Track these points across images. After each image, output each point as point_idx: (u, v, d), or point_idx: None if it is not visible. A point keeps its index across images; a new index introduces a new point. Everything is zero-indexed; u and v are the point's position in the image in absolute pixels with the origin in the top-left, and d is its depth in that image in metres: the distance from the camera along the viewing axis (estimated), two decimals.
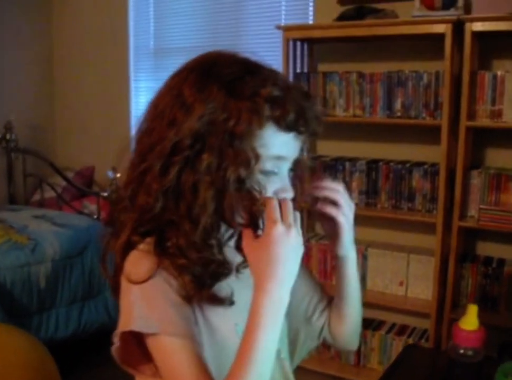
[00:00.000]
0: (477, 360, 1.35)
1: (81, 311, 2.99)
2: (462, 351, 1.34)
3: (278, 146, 0.89)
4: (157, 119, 0.90)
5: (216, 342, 0.91)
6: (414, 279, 2.85)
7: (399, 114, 2.74)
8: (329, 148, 3.08)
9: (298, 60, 3.02)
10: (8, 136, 3.85)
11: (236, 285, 0.92)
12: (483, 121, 2.54)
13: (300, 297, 1.09)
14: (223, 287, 0.91)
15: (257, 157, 0.86)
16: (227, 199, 0.87)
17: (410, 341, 2.83)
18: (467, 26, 2.44)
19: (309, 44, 3.08)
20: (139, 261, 0.88)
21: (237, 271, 0.94)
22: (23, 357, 2.19)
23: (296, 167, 0.96)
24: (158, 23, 3.87)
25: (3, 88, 3.98)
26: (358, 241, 3.31)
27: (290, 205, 0.86)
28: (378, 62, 2.93)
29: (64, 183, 3.79)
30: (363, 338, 2.90)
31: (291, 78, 2.91)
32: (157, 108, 0.91)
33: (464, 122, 2.52)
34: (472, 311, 1.35)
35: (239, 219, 0.89)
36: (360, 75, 2.82)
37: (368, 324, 2.98)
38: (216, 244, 0.90)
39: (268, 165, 0.89)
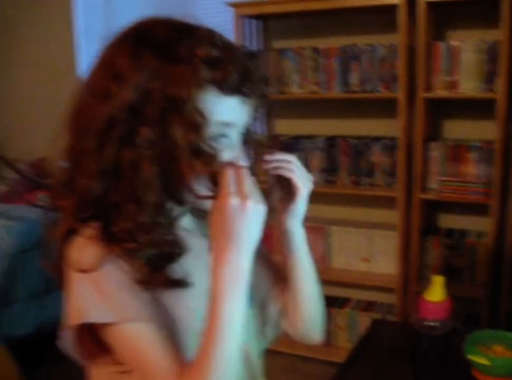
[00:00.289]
0: (444, 331, 1.33)
1: (41, 307, 2.90)
2: (430, 323, 1.32)
3: (224, 112, 0.83)
4: (91, 94, 0.83)
5: (176, 329, 0.86)
6: (378, 255, 2.85)
7: (355, 88, 2.71)
8: (286, 127, 3.03)
9: (253, 38, 2.96)
10: None
11: (194, 270, 0.87)
12: (440, 92, 2.53)
13: (258, 283, 1.03)
14: (178, 269, 0.86)
15: (205, 119, 0.80)
16: (177, 171, 0.81)
17: (378, 316, 2.83)
18: None
19: (262, 21, 3.01)
20: (84, 248, 0.82)
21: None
22: None
23: (249, 143, 0.90)
24: (107, 7, 3.75)
25: None
26: (319, 220, 3.26)
27: (245, 173, 0.81)
28: (333, 36, 2.88)
29: (16, 176, 3.66)
30: (329, 316, 2.88)
31: None
32: (90, 83, 0.85)
33: (420, 94, 2.50)
34: (438, 282, 1.33)
35: (204, 191, 0.83)
36: (315, 50, 2.77)
37: (333, 301, 2.97)
38: (166, 223, 0.85)
39: (215, 131, 0.83)
